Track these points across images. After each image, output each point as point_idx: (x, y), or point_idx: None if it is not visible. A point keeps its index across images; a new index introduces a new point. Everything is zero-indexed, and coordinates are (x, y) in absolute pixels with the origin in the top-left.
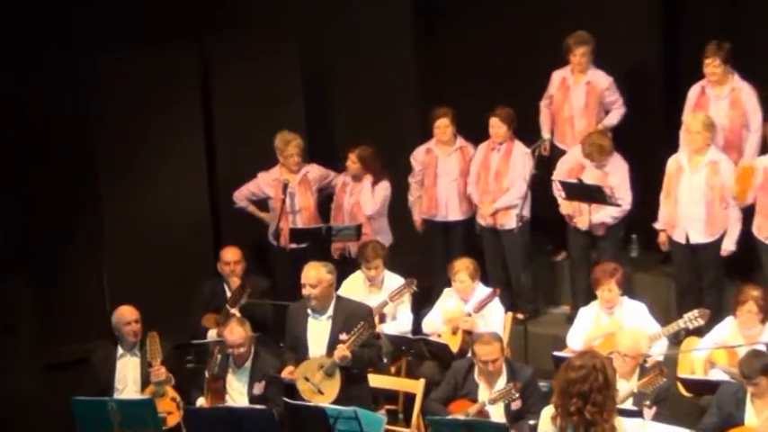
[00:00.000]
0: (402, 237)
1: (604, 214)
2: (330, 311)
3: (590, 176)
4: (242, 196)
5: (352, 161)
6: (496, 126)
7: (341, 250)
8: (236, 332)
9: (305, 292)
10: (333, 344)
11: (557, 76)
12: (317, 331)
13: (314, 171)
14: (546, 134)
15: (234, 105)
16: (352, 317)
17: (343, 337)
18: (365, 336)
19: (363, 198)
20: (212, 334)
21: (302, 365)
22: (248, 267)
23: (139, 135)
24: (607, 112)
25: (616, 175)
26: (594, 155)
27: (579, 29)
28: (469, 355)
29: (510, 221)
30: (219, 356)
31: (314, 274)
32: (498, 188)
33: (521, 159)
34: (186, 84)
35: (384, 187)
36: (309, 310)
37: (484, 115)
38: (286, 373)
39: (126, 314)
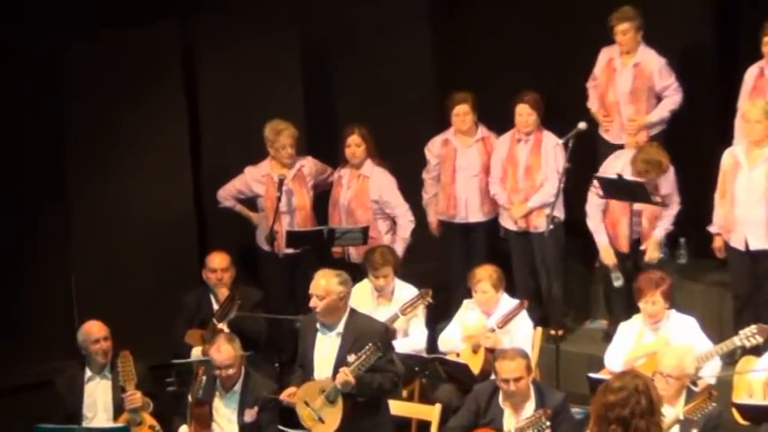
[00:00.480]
0: (415, 241)
1: (662, 229)
2: (340, 328)
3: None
4: (227, 194)
5: (356, 143)
6: (525, 114)
7: (339, 254)
8: (225, 350)
9: (311, 303)
10: (339, 365)
11: (603, 55)
12: (325, 349)
13: (309, 165)
14: (582, 124)
15: (222, 93)
16: (363, 336)
17: (350, 358)
18: (372, 360)
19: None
20: (197, 352)
21: (303, 387)
22: (238, 275)
23: (113, 126)
24: (659, 100)
25: (667, 184)
26: (652, 173)
27: (624, 5)
28: (493, 376)
29: (544, 223)
30: (205, 378)
31: (323, 283)
32: (530, 185)
33: (553, 151)
34: (168, 69)
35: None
36: (318, 325)
37: (506, 103)
38: (285, 395)
39: (93, 330)
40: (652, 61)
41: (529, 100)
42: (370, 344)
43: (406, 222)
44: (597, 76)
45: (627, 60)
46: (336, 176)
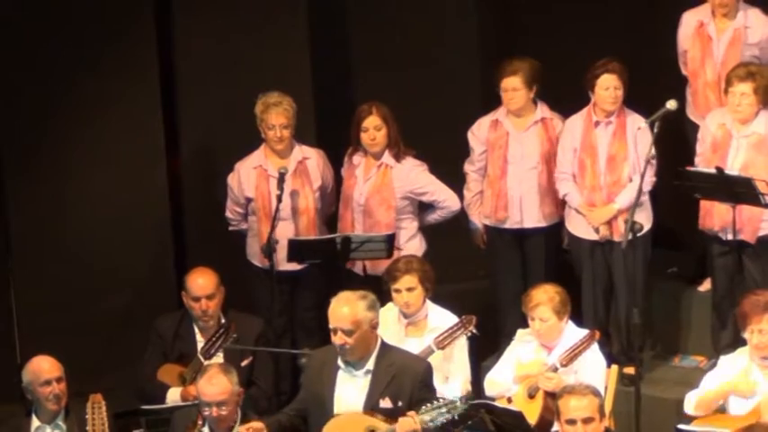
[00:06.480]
0: (452, 253)
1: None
2: (370, 365)
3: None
4: (233, 215)
5: (375, 126)
6: (612, 87)
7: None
8: (219, 383)
9: (335, 340)
10: (369, 411)
11: (690, 18)
12: (349, 391)
13: (317, 160)
14: (671, 103)
15: (205, 60)
16: (402, 376)
17: (385, 403)
18: (445, 417)
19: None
20: (173, 395)
21: (332, 426)
22: (227, 298)
23: (61, 100)
24: None
25: None
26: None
27: None
28: (555, 429)
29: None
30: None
31: (348, 312)
32: (615, 179)
33: (636, 137)
34: (135, 33)
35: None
36: (341, 362)
37: (572, 75)
38: None
39: (43, 369)
40: (759, 25)
41: (616, 69)
42: (456, 399)
43: (449, 211)
44: (687, 50)
45: (725, 24)
46: (347, 166)
